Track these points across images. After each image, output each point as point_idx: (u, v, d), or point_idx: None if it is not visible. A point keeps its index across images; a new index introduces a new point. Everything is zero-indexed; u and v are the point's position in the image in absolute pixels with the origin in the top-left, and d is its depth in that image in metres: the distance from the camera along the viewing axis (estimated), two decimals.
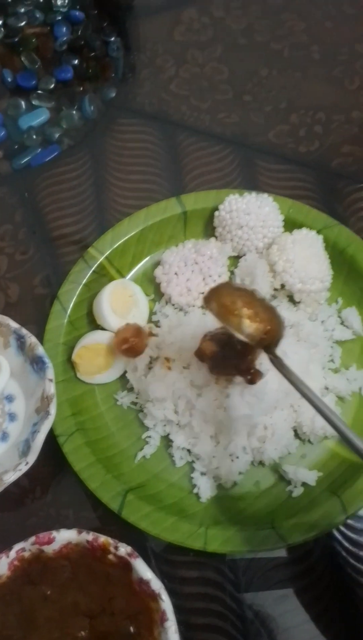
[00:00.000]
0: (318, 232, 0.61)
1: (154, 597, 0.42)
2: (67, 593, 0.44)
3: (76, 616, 0.43)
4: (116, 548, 0.43)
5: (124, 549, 0.43)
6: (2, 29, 0.81)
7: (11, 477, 0.48)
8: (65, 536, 0.44)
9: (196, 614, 0.49)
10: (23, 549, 0.44)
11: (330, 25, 0.80)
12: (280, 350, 0.52)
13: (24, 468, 0.48)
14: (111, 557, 0.44)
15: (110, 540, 0.44)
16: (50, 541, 0.44)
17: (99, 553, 0.44)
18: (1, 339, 0.54)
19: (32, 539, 0.44)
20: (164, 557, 0.51)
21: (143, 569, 0.43)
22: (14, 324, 0.54)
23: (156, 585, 0.42)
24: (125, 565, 0.43)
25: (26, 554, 0.44)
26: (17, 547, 0.44)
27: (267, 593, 0.50)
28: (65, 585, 0.44)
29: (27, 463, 0.48)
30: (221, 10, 0.82)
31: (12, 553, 0.44)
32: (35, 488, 0.54)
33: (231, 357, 0.50)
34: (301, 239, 0.60)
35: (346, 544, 0.51)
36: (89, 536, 0.44)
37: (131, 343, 0.53)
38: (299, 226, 0.61)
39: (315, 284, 0.58)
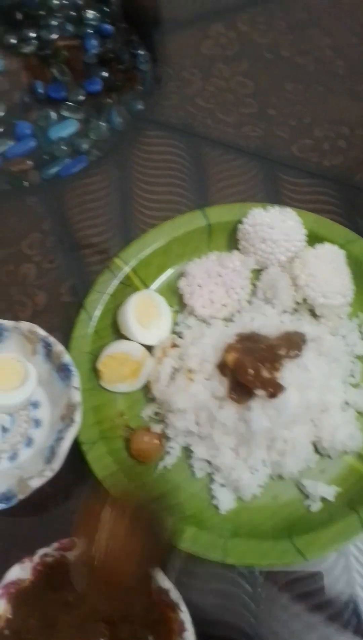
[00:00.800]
0: (341, 246, 0.61)
1: (173, 607, 0.43)
2: (88, 599, 0.45)
3: (95, 623, 0.44)
4: None
5: None
6: (34, 41, 0.83)
7: (37, 483, 0.49)
8: None
9: (213, 626, 0.50)
10: (46, 554, 0.45)
11: (355, 41, 0.81)
12: (301, 365, 0.53)
13: (49, 474, 0.49)
14: None
15: None
16: (72, 547, 0.45)
17: None
18: (29, 346, 0.56)
19: (55, 544, 0.45)
20: (182, 568, 0.52)
21: (161, 578, 0.43)
22: (42, 332, 0.55)
23: (175, 595, 0.43)
24: (144, 574, 0.44)
25: (49, 559, 0.45)
26: (41, 552, 0.45)
27: (284, 607, 0.50)
28: (86, 592, 0.45)
29: (52, 469, 0.49)
30: (247, 25, 0.83)
31: (36, 558, 0.45)
32: (57, 494, 0.55)
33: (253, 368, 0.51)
34: (323, 253, 0.60)
35: (362, 560, 0.51)
36: None
37: (146, 451, 0.54)
38: (321, 240, 0.62)
39: (337, 299, 0.58)
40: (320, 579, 0.51)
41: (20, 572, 0.44)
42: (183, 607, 0.42)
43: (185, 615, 0.42)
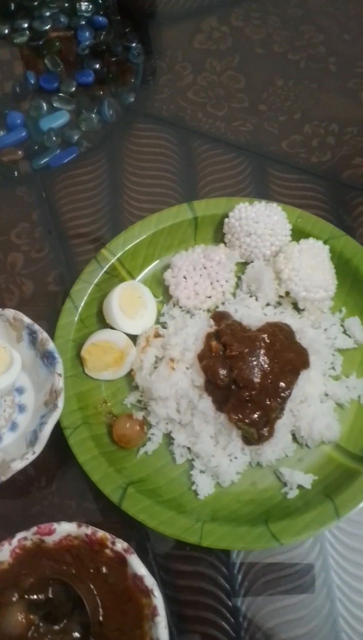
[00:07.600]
0: (325, 242, 0.62)
1: (147, 592, 0.43)
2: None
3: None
4: (113, 543, 0.45)
5: (120, 545, 0.45)
6: (27, 31, 0.83)
7: (18, 465, 0.50)
8: (65, 528, 0.46)
9: (189, 607, 0.51)
10: (25, 538, 0.46)
11: (348, 38, 0.82)
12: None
13: (30, 457, 0.50)
14: (107, 551, 0.45)
15: (108, 536, 0.45)
16: (51, 532, 0.46)
17: (97, 547, 0.45)
18: (14, 333, 0.57)
19: (34, 529, 0.46)
20: (161, 550, 0.53)
21: (137, 565, 0.44)
22: (27, 320, 0.56)
23: (150, 581, 0.43)
24: (121, 560, 0.45)
25: (27, 543, 0.46)
26: (20, 535, 0.46)
27: (260, 590, 0.52)
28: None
29: (34, 452, 0.50)
30: (240, 20, 0.83)
31: (15, 541, 0.46)
32: (40, 477, 0.56)
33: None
34: (307, 248, 0.61)
35: (338, 547, 0.53)
36: (88, 530, 0.45)
37: (127, 437, 0.55)
38: (306, 236, 0.63)
39: (319, 293, 0.60)
40: (295, 564, 0.53)
41: None
42: (157, 593, 0.43)
43: (158, 601, 0.43)
